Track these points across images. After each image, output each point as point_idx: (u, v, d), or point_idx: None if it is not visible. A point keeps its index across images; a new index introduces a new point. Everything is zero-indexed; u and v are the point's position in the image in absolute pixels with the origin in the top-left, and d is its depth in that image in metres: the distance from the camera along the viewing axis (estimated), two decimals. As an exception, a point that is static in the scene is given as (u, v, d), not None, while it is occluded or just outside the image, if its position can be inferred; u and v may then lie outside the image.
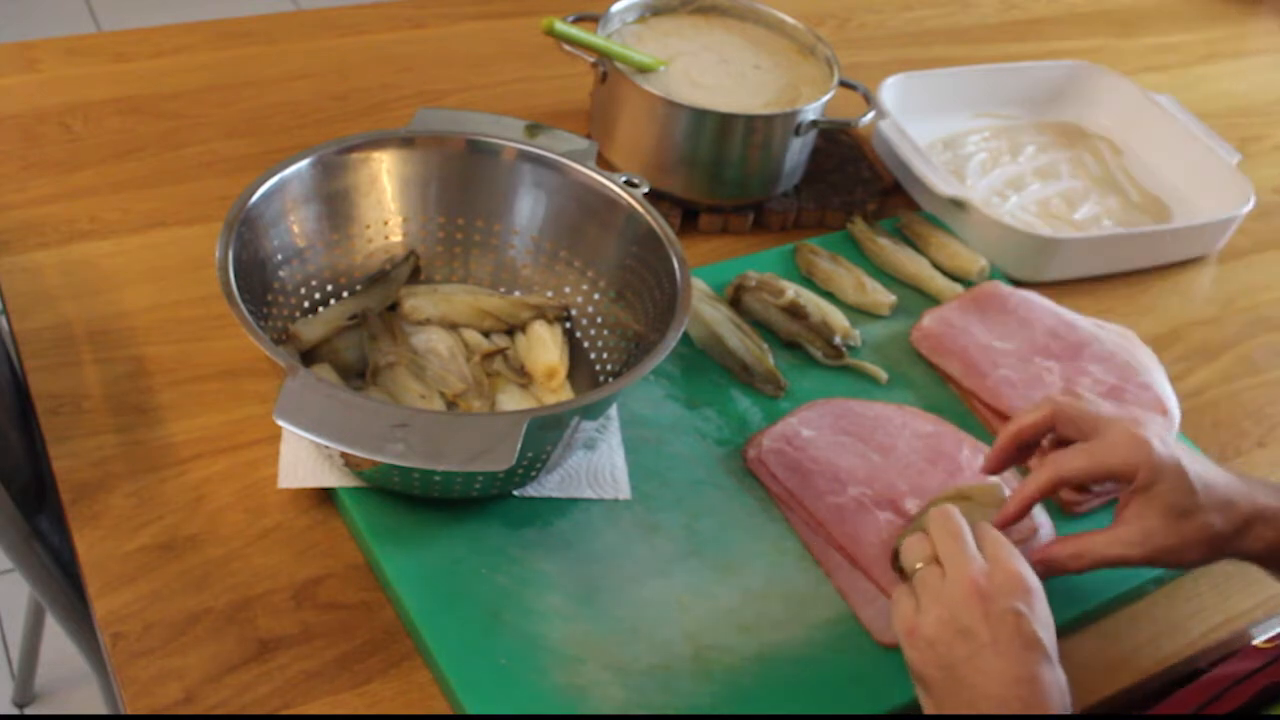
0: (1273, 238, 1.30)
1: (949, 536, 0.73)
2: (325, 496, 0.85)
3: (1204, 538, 0.76)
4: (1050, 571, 0.79)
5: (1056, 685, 0.68)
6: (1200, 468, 0.78)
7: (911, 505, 0.88)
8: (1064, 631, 0.84)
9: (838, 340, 1.00)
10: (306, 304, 0.92)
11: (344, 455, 0.79)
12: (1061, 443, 0.81)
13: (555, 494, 0.85)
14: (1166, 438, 0.78)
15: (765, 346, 0.99)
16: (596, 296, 0.95)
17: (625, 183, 0.92)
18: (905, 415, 0.95)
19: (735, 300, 1.03)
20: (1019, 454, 0.83)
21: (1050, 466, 0.79)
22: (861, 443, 0.92)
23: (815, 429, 0.92)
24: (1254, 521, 0.77)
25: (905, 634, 0.72)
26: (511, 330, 0.95)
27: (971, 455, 0.92)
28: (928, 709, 0.71)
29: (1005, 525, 0.80)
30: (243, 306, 0.76)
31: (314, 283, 0.92)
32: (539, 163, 0.94)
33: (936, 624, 0.70)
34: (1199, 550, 0.77)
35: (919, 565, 0.74)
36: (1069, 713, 0.67)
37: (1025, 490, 0.80)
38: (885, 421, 0.94)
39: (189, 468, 0.85)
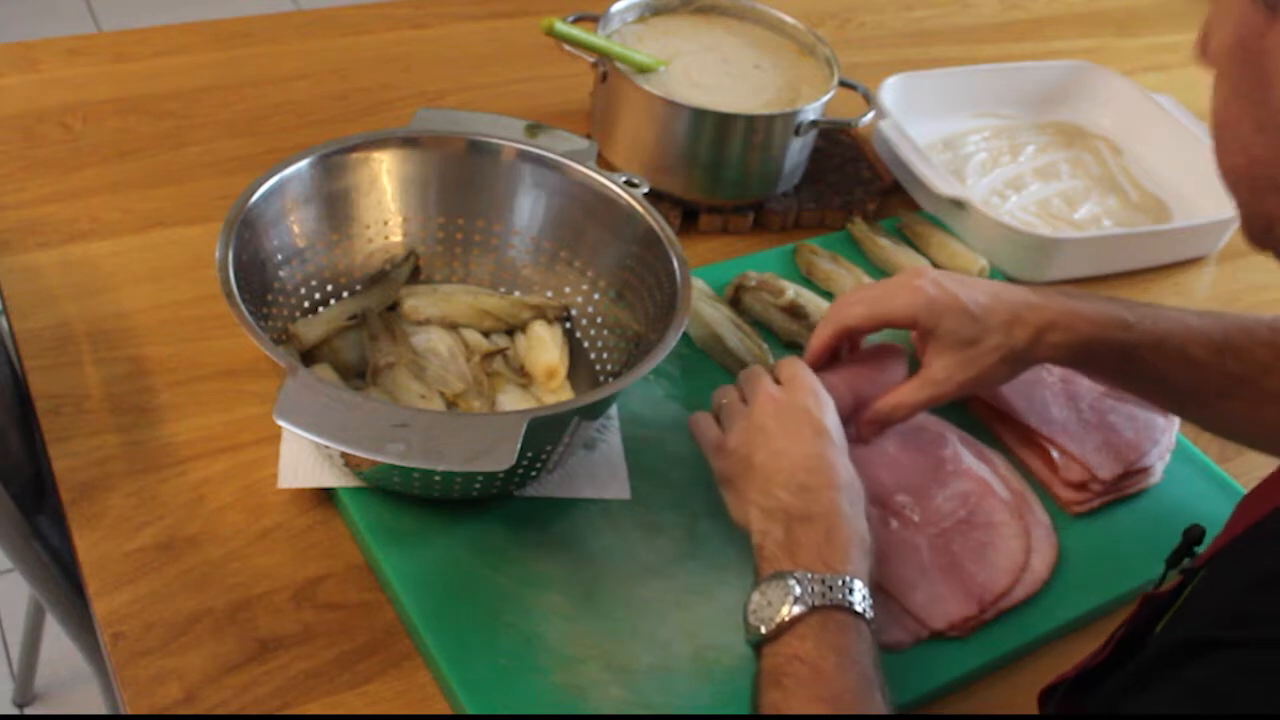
0: (1273, 238, 1.29)
1: (750, 376, 0.82)
2: (325, 496, 0.85)
3: (998, 358, 0.83)
4: (880, 425, 0.86)
5: (846, 468, 0.75)
6: (978, 294, 0.84)
7: (902, 501, 0.88)
8: (1063, 631, 0.85)
9: (838, 340, 1.00)
10: (306, 304, 0.92)
11: (344, 455, 0.79)
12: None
13: (555, 494, 0.85)
14: (945, 282, 0.85)
15: (765, 346, 0.99)
16: (596, 296, 0.95)
17: (625, 183, 0.92)
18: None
19: (735, 300, 1.03)
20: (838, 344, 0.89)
21: (833, 315, 0.87)
22: (849, 442, 0.92)
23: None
24: (1045, 330, 0.83)
25: (714, 450, 0.80)
26: (511, 330, 0.95)
27: (958, 448, 0.92)
28: (732, 506, 0.78)
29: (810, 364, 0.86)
30: (243, 306, 0.76)
31: (314, 283, 0.92)
32: (539, 163, 0.94)
33: (739, 433, 0.78)
34: (1000, 370, 0.84)
35: (724, 401, 0.82)
36: (858, 504, 0.74)
37: (815, 339, 0.87)
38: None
39: (189, 468, 0.85)
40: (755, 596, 0.70)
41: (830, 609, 0.67)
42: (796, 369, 0.81)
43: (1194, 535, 0.77)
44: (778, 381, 0.81)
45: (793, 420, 0.77)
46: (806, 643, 0.67)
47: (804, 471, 0.74)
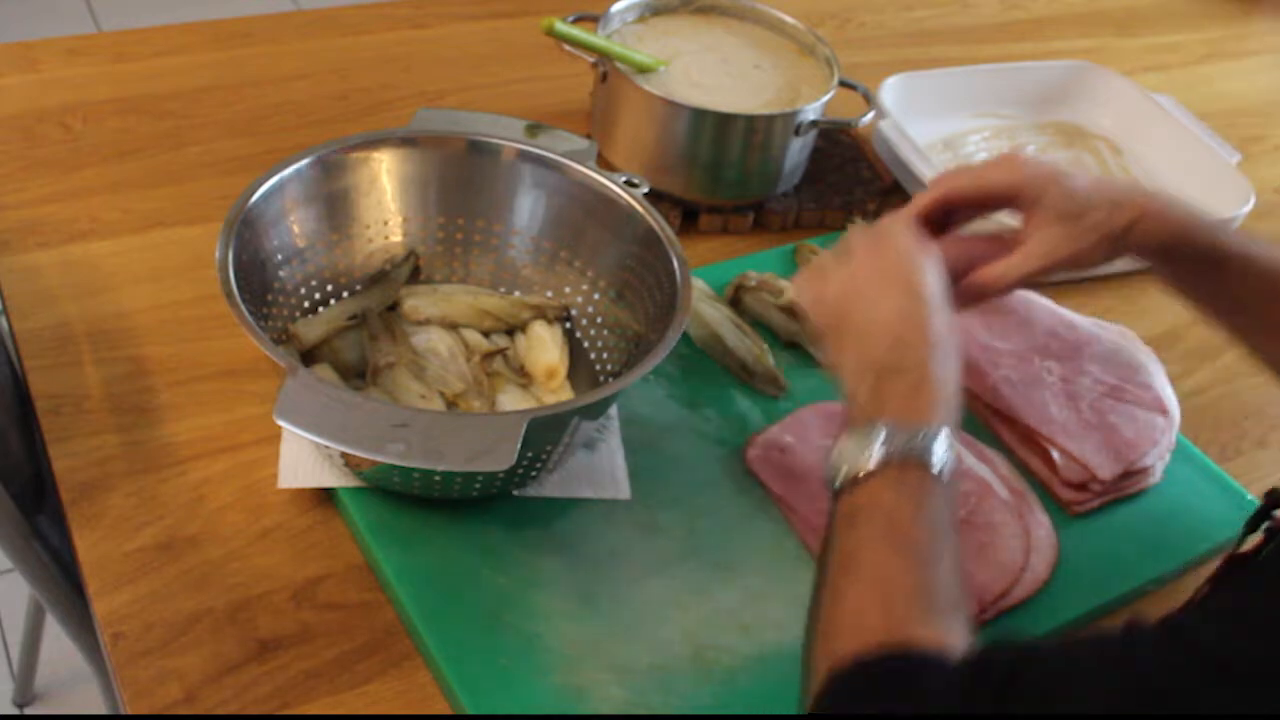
0: (1273, 238, 1.29)
1: (853, 233, 0.82)
2: (325, 496, 0.85)
3: (1099, 237, 0.82)
4: (976, 297, 0.84)
5: (941, 325, 0.74)
6: (1082, 179, 0.84)
7: None
8: (1064, 631, 0.85)
9: (838, 340, 1.00)
10: (306, 304, 0.92)
11: (344, 455, 0.79)
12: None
13: (555, 494, 0.85)
14: (1046, 162, 0.85)
15: (765, 346, 0.99)
16: (596, 296, 0.95)
17: (625, 183, 0.92)
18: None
19: (735, 300, 1.03)
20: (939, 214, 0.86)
21: (935, 182, 0.86)
22: None
23: (800, 435, 0.92)
24: (1141, 219, 0.82)
25: (813, 301, 0.79)
26: (511, 330, 0.95)
27: (959, 450, 0.92)
28: (827, 359, 0.78)
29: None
30: (243, 306, 0.76)
31: (314, 283, 0.92)
32: (539, 163, 0.94)
33: (837, 289, 0.78)
34: (1098, 250, 0.83)
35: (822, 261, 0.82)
36: (952, 360, 0.73)
37: (916, 201, 0.85)
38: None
39: (189, 468, 0.85)
40: (840, 443, 0.70)
41: (911, 461, 0.67)
42: (898, 228, 0.80)
43: (1277, 497, 0.77)
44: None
45: (889, 277, 0.77)
46: (886, 491, 0.67)
47: (897, 327, 0.74)
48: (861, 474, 0.68)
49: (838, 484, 0.70)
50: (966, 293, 0.84)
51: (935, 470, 0.67)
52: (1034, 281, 0.84)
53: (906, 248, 0.78)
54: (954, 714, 0.56)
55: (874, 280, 0.77)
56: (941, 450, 0.68)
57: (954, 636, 0.61)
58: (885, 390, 0.71)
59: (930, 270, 0.77)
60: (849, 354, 0.75)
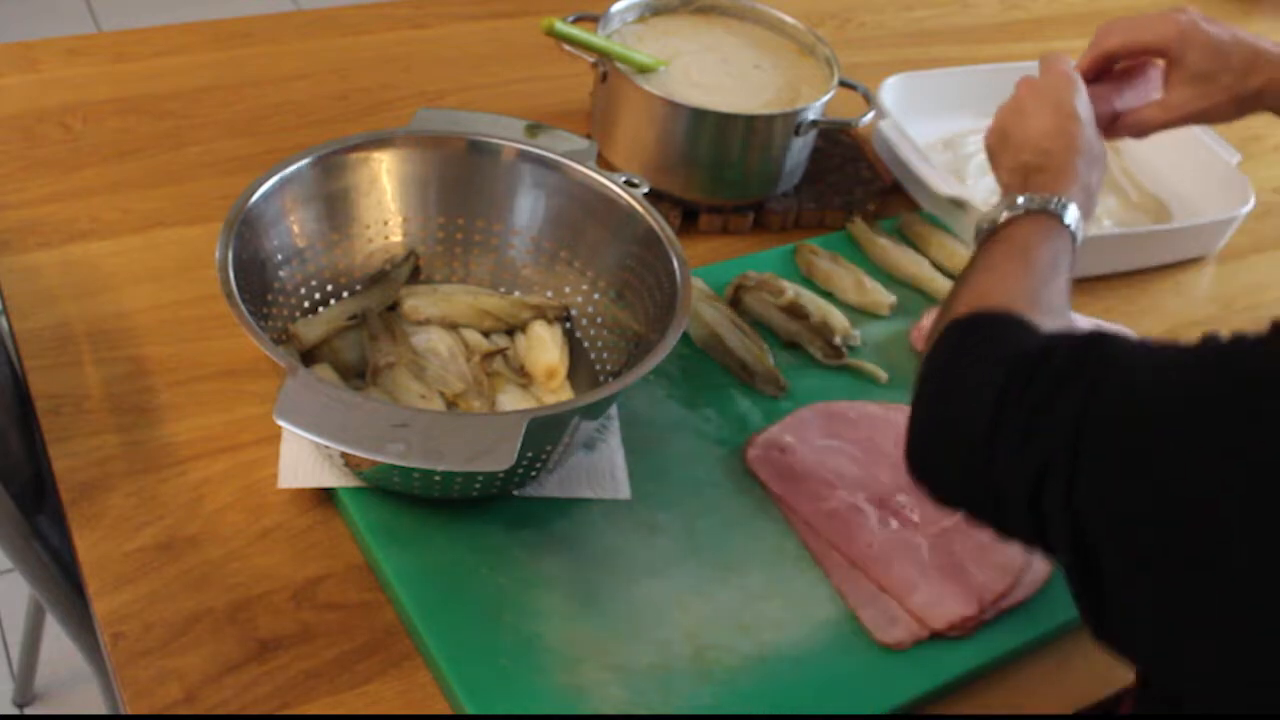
0: (1273, 238, 1.30)
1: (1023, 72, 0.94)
2: (325, 496, 0.85)
3: (1229, 97, 0.92)
4: (1119, 133, 0.96)
5: (1088, 140, 0.85)
6: (1224, 34, 0.93)
7: (902, 501, 0.88)
8: (1064, 631, 0.85)
9: (838, 340, 1.00)
10: (306, 304, 0.92)
11: (344, 455, 0.79)
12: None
13: (555, 494, 0.85)
14: (1198, 19, 0.93)
15: (765, 346, 0.99)
16: (596, 296, 0.95)
17: (625, 183, 0.92)
18: (890, 412, 0.95)
19: (735, 300, 1.03)
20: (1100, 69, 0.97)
21: (1094, 41, 0.96)
22: (848, 444, 0.92)
23: (800, 435, 0.92)
24: (1270, 84, 0.92)
25: (988, 130, 0.91)
26: (511, 330, 0.95)
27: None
28: (993, 171, 0.89)
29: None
30: (243, 306, 0.76)
31: (314, 283, 0.92)
32: (539, 163, 0.94)
33: (1003, 112, 0.90)
34: (1228, 109, 0.93)
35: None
36: (1095, 168, 0.85)
37: (1079, 62, 0.95)
38: (870, 420, 0.94)
39: (189, 468, 0.85)
40: (988, 212, 0.82)
41: (1046, 212, 0.79)
42: (1059, 61, 0.90)
43: None
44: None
45: (1045, 100, 0.87)
46: (1022, 227, 0.79)
47: (1047, 139, 0.85)
48: (1002, 220, 0.80)
49: (984, 230, 0.82)
50: (1109, 132, 0.95)
51: (1069, 223, 0.79)
52: (1170, 128, 0.95)
53: (1061, 74, 0.89)
54: (1037, 359, 0.63)
55: (1030, 103, 0.88)
56: (1074, 214, 0.80)
57: (1053, 329, 0.69)
58: (1032, 182, 0.83)
59: (1081, 94, 0.88)
60: (1003, 164, 0.87)
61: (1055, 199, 0.80)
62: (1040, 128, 0.86)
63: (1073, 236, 0.80)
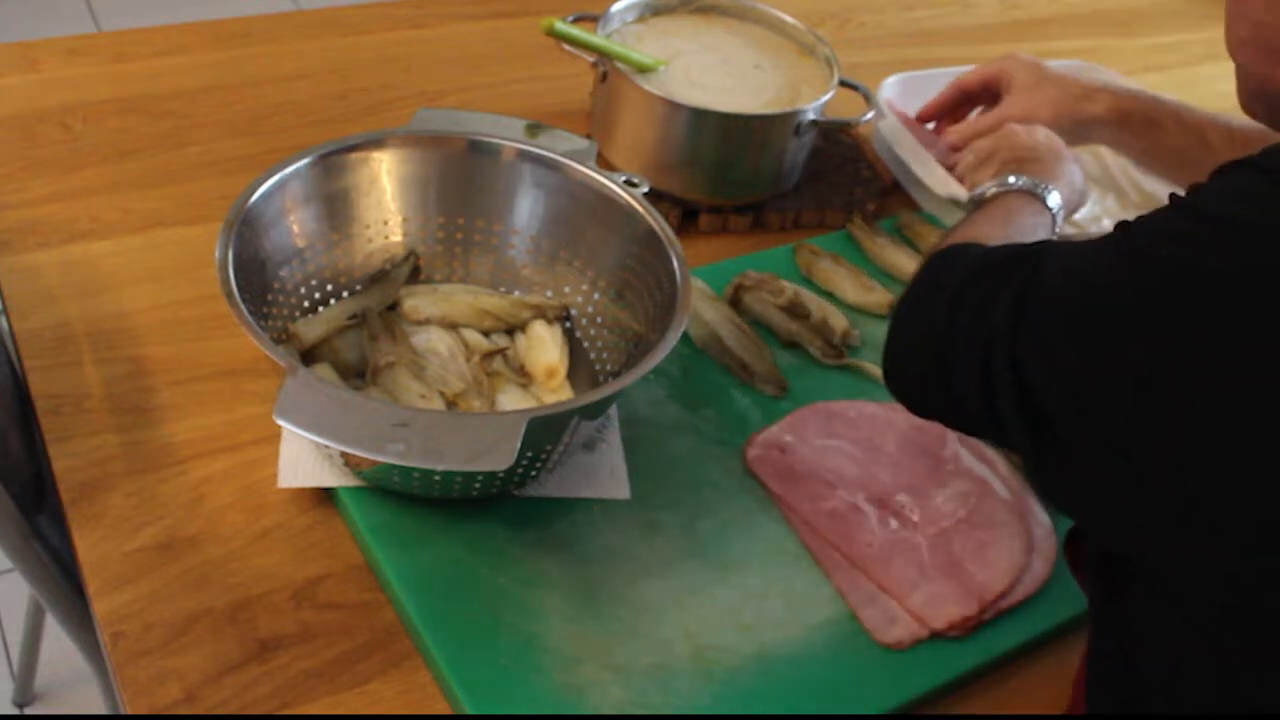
0: (1273, 238, 1.29)
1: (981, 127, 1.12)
2: (325, 496, 0.85)
3: (1049, 97, 1.10)
4: (963, 138, 1.13)
5: (1074, 167, 0.96)
6: (1061, 69, 1.13)
7: (902, 501, 0.88)
8: (1064, 631, 0.85)
9: (838, 340, 1.00)
10: (306, 304, 0.92)
11: (344, 455, 0.79)
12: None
13: (555, 494, 0.85)
14: (1037, 61, 1.14)
15: (765, 346, 0.99)
16: (596, 296, 0.95)
17: (625, 183, 0.92)
18: (889, 412, 0.95)
19: (735, 300, 1.03)
20: (958, 105, 1.20)
21: (952, 84, 1.18)
22: (848, 443, 0.92)
23: (800, 435, 0.92)
24: (1095, 92, 1.10)
25: (975, 147, 1.04)
26: (511, 330, 0.95)
27: (958, 448, 0.92)
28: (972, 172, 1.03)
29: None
30: (243, 306, 0.76)
31: (314, 283, 0.92)
32: (539, 163, 0.94)
33: (991, 139, 1.02)
34: (1046, 107, 1.09)
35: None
36: (1078, 176, 0.96)
37: (938, 98, 1.20)
38: (870, 420, 0.94)
39: (189, 468, 0.85)
40: (982, 187, 0.93)
41: (1030, 192, 0.90)
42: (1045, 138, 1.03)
43: None
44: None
45: (1035, 128, 1.02)
46: (1008, 199, 0.89)
47: (1040, 147, 0.97)
48: (992, 192, 0.91)
49: (973, 201, 0.92)
50: (950, 142, 1.15)
51: (1050, 205, 0.89)
52: (1005, 123, 1.07)
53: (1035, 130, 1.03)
54: (991, 262, 0.71)
55: (1021, 129, 1.01)
56: (1057, 199, 0.89)
57: None
58: (1024, 169, 0.93)
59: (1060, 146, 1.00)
60: (999, 156, 0.98)
61: (1042, 184, 0.90)
62: (1033, 139, 0.99)
63: (1053, 219, 0.89)
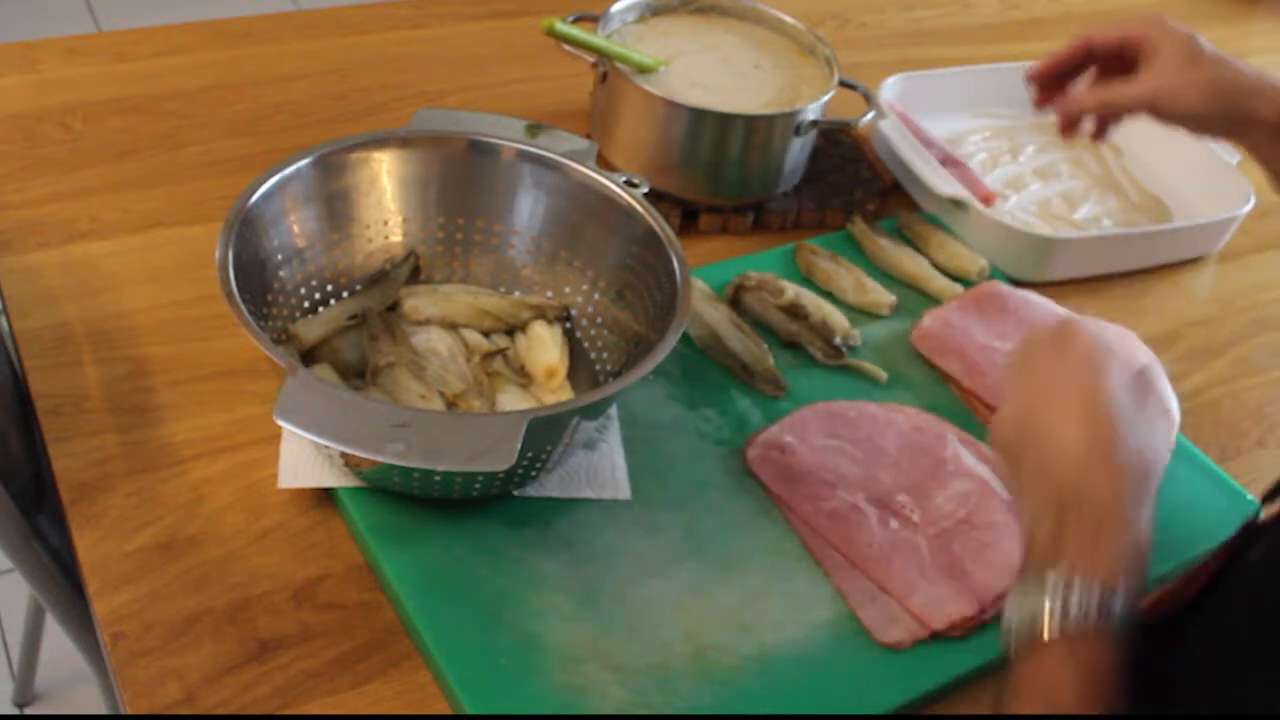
0: (1273, 238, 1.30)
1: (1028, 341, 0.77)
2: (325, 496, 0.85)
3: (1206, 79, 0.88)
4: (1078, 113, 0.94)
5: (1129, 446, 0.67)
6: (1208, 45, 0.90)
7: (902, 501, 0.88)
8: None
9: (838, 340, 1.00)
10: (306, 304, 0.92)
11: (344, 455, 0.79)
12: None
13: (555, 494, 0.85)
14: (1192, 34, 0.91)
15: (765, 346, 0.99)
16: (596, 296, 0.95)
17: (625, 183, 0.92)
18: (890, 412, 0.95)
19: (735, 300, 1.03)
20: (1074, 66, 0.97)
21: (1081, 34, 0.96)
22: (849, 444, 0.92)
23: (800, 435, 0.92)
24: (1265, 88, 0.88)
25: (993, 425, 0.74)
26: (511, 330, 0.95)
27: (958, 448, 0.92)
28: (1008, 485, 0.75)
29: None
30: (243, 306, 0.76)
31: (314, 283, 0.92)
32: (539, 163, 0.94)
33: (1013, 408, 0.73)
34: (1200, 93, 0.89)
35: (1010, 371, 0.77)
36: (1145, 487, 0.68)
37: (1058, 51, 0.96)
38: (871, 420, 0.94)
39: (189, 468, 0.85)
40: (1014, 597, 0.65)
41: (1084, 630, 0.62)
42: (1074, 329, 0.74)
43: None
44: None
45: (1069, 393, 0.70)
46: (1050, 669, 0.62)
47: (1080, 455, 0.67)
48: (1032, 643, 0.63)
49: (1009, 646, 0.65)
50: (1072, 104, 0.94)
51: (1111, 634, 0.62)
52: (1141, 108, 0.91)
53: (1087, 353, 0.71)
54: None
55: (1050, 399, 0.70)
56: (1119, 610, 0.62)
57: None
58: (1066, 535, 0.65)
59: (1116, 376, 0.71)
60: (1027, 486, 0.70)
61: (1096, 591, 0.62)
62: (1069, 439, 0.68)
63: (1119, 638, 0.63)
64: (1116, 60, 0.93)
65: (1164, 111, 0.90)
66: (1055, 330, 0.75)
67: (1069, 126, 0.95)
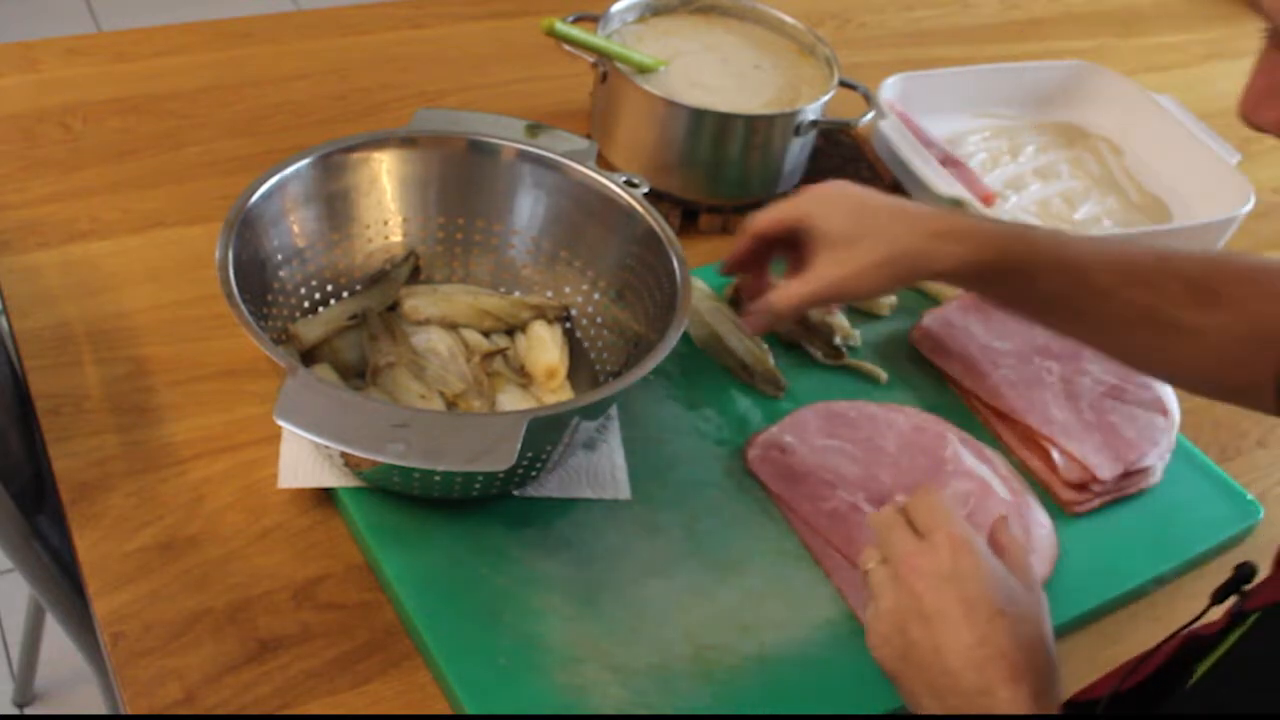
0: (1273, 238, 1.30)
1: (885, 529, 0.72)
2: (325, 496, 0.85)
3: (874, 260, 0.81)
4: (765, 320, 0.86)
5: (1019, 638, 0.66)
6: (873, 198, 0.83)
7: (902, 501, 0.88)
8: (1063, 631, 0.85)
9: (837, 340, 1.00)
10: (306, 304, 0.92)
11: (344, 455, 0.79)
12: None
13: (555, 494, 0.85)
14: (846, 186, 0.85)
15: (765, 346, 0.99)
16: (596, 296, 0.95)
17: (625, 183, 0.92)
18: (890, 412, 0.95)
19: (735, 300, 1.03)
20: (758, 254, 0.90)
21: (744, 228, 0.88)
22: (848, 444, 0.92)
23: (800, 435, 0.92)
24: (935, 238, 0.81)
25: (867, 636, 0.71)
26: (511, 330, 0.95)
27: (958, 448, 0.92)
28: (911, 707, 0.69)
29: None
30: (243, 306, 0.76)
31: (314, 283, 0.92)
32: (539, 163, 0.94)
33: (887, 616, 0.69)
34: (876, 274, 0.81)
35: (869, 567, 0.72)
36: (1046, 652, 0.67)
37: (732, 250, 0.89)
38: (871, 420, 0.94)
39: (189, 468, 0.85)
40: None
41: None
42: (932, 516, 0.71)
43: (1245, 573, 0.68)
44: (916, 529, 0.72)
45: (946, 598, 0.67)
46: None
47: (972, 669, 0.65)
48: None
49: None
50: (754, 317, 0.87)
51: None
52: (819, 301, 0.85)
53: (949, 543, 0.69)
54: None
55: (926, 608, 0.67)
56: None
57: None
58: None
59: (983, 559, 0.68)
60: (925, 707, 0.67)
61: None
62: (956, 653, 0.65)
63: None
64: (792, 243, 0.87)
65: (848, 297, 0.85)
66: (914, 511, 0.73)
67: (762, 330, 0.89)
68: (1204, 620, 0.69)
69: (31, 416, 0.90)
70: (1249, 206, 1.21)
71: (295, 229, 0.89)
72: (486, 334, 0.94)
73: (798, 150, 1.14)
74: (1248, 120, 0.62)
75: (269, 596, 0.79)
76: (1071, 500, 0.92)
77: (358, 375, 0.90)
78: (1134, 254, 0.83)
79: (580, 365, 0.94)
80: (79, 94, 1.17)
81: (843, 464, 0.90)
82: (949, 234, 0.81)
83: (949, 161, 1.23)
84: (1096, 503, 0.92)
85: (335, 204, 0.92)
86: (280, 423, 0.69)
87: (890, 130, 1.21)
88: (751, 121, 1.09)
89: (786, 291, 0.84)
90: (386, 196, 0.94)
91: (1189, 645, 0.64)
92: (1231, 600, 0.67)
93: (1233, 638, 0.59)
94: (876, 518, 0.74)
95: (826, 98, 1.11)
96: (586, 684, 0.75)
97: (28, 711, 1.63)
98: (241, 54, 1.27)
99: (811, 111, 1.10)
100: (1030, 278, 0.82)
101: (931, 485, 0.75)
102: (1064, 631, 0.85)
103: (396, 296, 0.93)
